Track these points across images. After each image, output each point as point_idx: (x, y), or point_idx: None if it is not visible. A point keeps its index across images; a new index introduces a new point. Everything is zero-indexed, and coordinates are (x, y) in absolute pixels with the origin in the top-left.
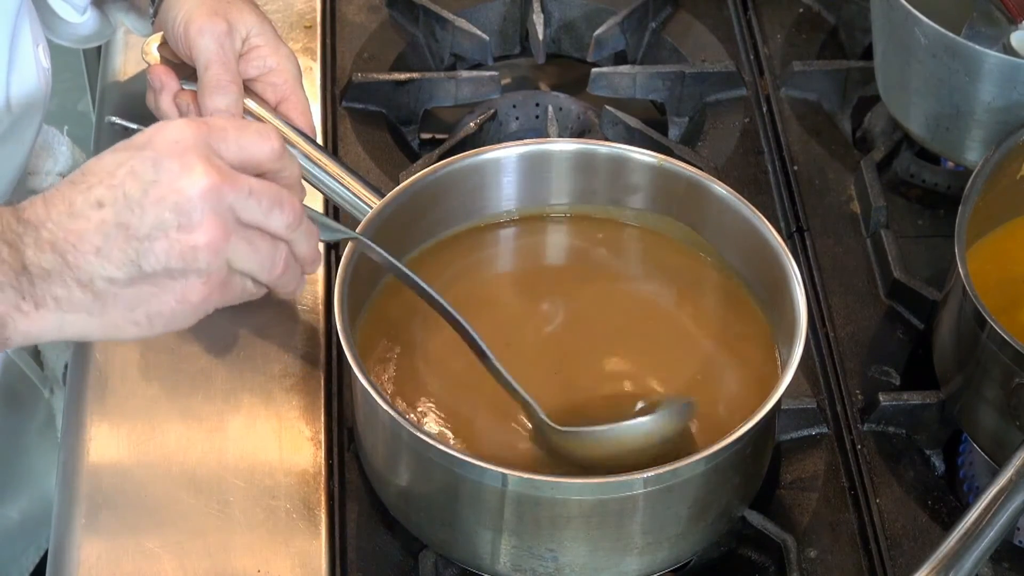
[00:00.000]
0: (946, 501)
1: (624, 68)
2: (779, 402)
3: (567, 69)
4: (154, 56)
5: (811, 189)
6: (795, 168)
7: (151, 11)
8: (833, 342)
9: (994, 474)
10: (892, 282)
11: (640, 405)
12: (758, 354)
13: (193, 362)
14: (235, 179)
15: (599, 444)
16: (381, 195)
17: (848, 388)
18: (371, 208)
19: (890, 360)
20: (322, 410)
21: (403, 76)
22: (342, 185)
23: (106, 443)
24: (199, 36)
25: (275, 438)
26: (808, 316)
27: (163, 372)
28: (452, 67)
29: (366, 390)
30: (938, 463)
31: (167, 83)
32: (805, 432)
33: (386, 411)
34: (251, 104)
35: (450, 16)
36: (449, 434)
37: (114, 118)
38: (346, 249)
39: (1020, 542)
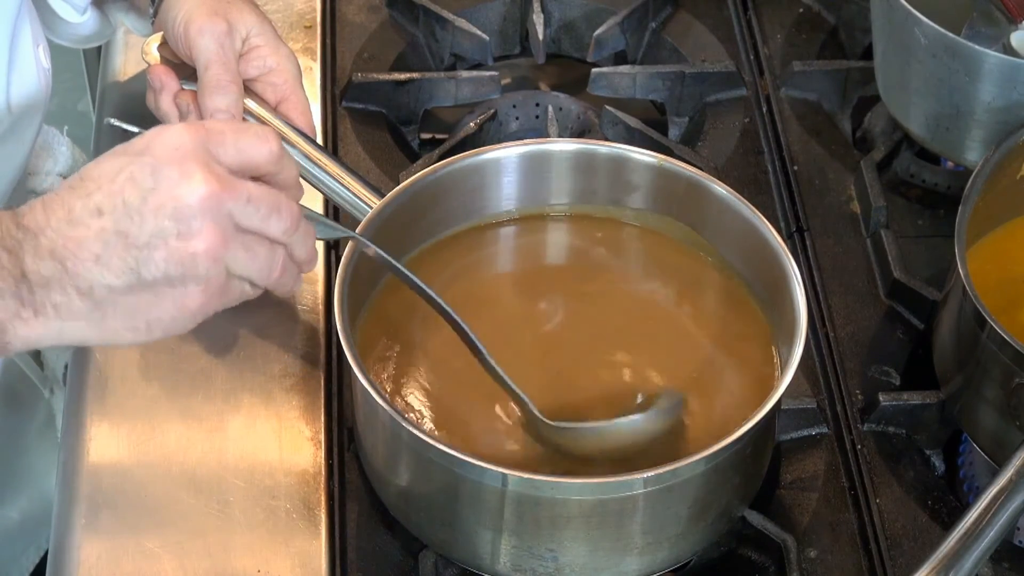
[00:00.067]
0: (946, 501)
1: (624, 68)
2: (779, 402)
3: (567, 69)
4: (154, 56)
5: (811, 189)
6: (795, 168)
7: (151, 11)
8: (833, 342)
9: (994, 474)
10: (892, 282)
11: (640, 399)
12: (758, 354)
13: (193, 362)
14: (234, 186)
15: (587, 440)
16: (381, 195)
17: (848, 388)
18: (371, 208)
19: (890, 360)
20: (322, 410)
21: (403, 76)
22: (342, 185)
23: (106, 443)
24: (199, 36)
25: (275, 438)
26: (808, 316)
27: (163, 372)
28: (452, 67)
29: (366, 390)
30: (938, 463)
31: (167, 83)
32: (805, 432)
33: (386, 411)
34: (251, 104)
35: (450, 16)
36: (449, 433)
37: (113, 120)
38: (346, 249)
39: (1020, 542)
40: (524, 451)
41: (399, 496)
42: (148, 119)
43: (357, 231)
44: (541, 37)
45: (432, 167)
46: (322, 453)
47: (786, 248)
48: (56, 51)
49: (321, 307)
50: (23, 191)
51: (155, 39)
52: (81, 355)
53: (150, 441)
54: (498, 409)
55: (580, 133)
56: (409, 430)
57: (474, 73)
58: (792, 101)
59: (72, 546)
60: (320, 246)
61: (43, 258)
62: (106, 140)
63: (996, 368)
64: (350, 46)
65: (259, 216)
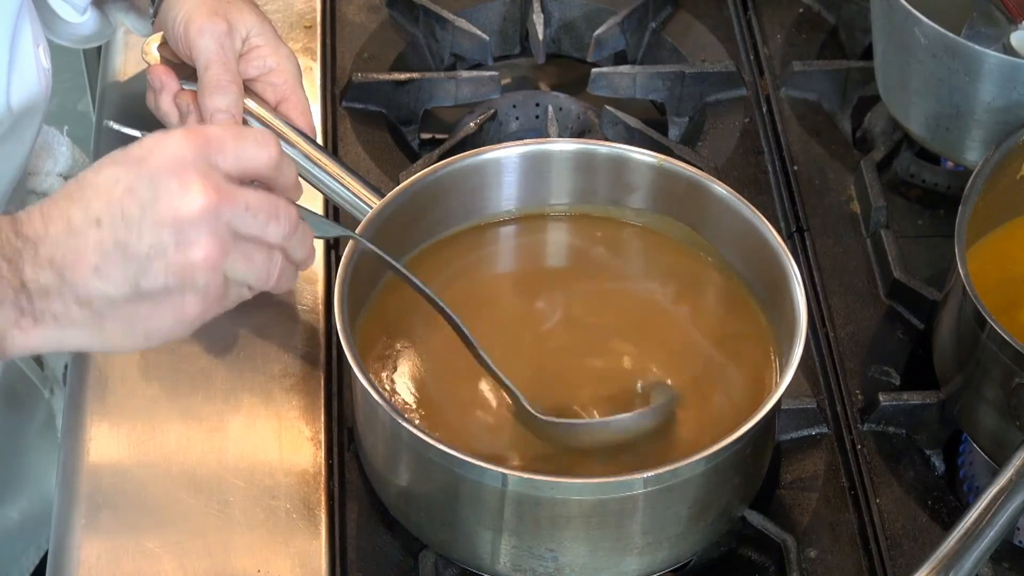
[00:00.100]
0: (946, 501)
1: (624, 68)
2: (779, 402)
3: (567, 69)
4: (154, 56)
5: (811, 189)
6: (795, 168)
7: (151, 11)
8: (833, 342)
9: (994, 474)
10: (892, 282)
11: (639, 395)
12: (758, 354)
13: (193, 362)
14: (232, 195)
15: (580, 435)
16: (381, 195)
17: (848, 388)
18: (371, 208)
19: (890, 360)
20: (322, 410)
21: (403, 76)
22: (342, 185)
23: (106, 443)
24: (199, 36)
25: (275, 438)
26: (808, 316)
27: (163, 372)
28: (452, 67)
29: (366, 390)
30: (938, 463)
31: (167, 83)
32: (805, 432)
33: (386, 411)
34: (251, 104)
35: (450, 16)
36: (449, 433)
37: (113, 123)
38: (346, 249)
39: (1020, 542)
40: (524, 451)
41: (399, 496)
42: (148, 119)
43: (357, 231)
44: (541, 37)
45: (432, 167)
46: (322, 453)
47: (786, 248)
48: (56, 51)
49: (321, 307)
50: (23, 191)
51: (155, 39)
52: (81, 355)
53: (150, 441)
54: (498, 409)
55: (580, 133)
56: (409, 430)
57: (474, 73)
58: (792, 101)
59: (72, 546)
60: (320, 246)
61: (42, 268)
62: (106, 141)
63: (996, 368)
64: (350, 46)
65: (257, 223)
